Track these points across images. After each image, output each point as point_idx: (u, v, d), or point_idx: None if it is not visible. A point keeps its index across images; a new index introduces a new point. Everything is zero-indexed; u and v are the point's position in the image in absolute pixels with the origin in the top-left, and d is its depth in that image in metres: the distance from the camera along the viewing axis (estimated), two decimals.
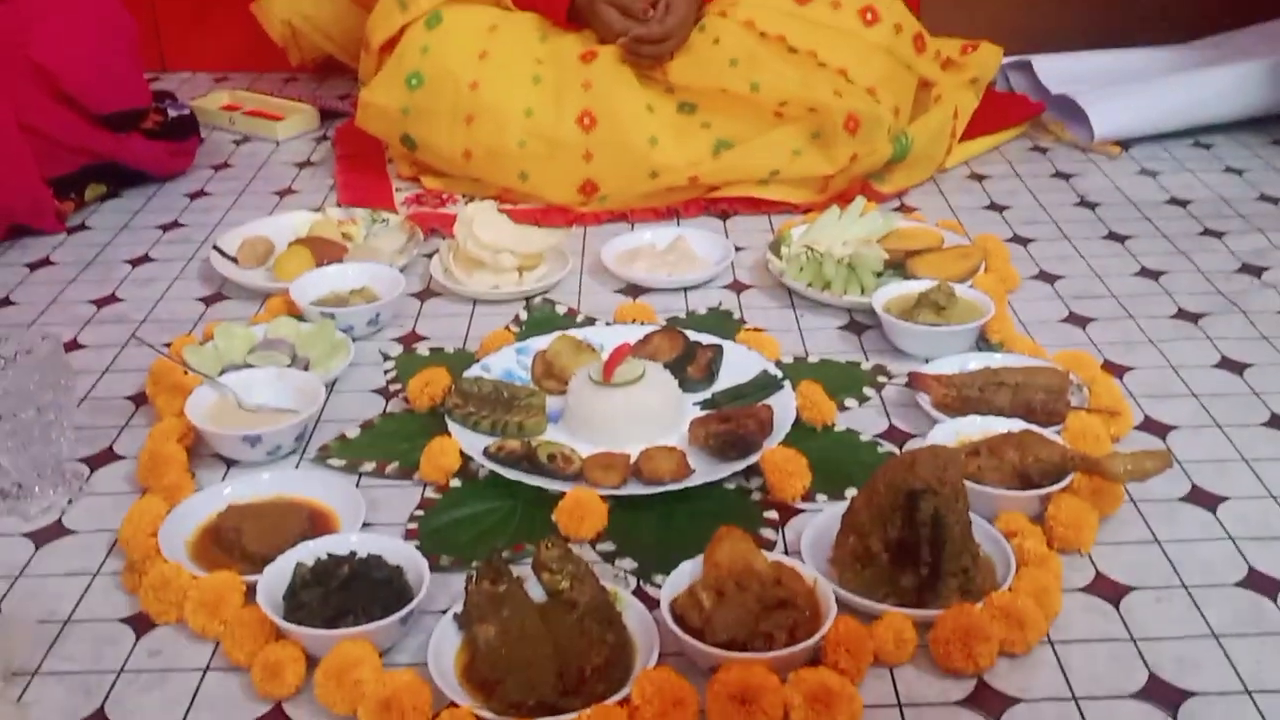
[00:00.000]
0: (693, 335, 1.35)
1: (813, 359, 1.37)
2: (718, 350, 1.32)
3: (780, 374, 1.29)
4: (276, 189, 1.89)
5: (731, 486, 1.14)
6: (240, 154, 2.04)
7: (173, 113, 1.91)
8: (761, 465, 1.14)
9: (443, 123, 1.75)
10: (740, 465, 1.14)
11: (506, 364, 1.33)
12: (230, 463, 1.19)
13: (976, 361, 1.28)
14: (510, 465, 1.14)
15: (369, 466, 1.19)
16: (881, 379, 1.32)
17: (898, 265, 1.51)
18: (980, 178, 1.90)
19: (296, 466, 1.20)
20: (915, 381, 1.25)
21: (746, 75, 1.71)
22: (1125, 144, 1.98)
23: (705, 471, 1.14)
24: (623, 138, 1.70)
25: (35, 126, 1.68)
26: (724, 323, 1.45)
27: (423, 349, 1.41)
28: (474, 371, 1.30)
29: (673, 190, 1.75)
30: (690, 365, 1.30)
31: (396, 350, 1.41)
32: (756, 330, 1.41)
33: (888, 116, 1.74)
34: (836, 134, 1.70)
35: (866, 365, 1.35)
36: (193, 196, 1.86)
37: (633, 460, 1.14)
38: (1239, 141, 1.99)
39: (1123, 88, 2.03)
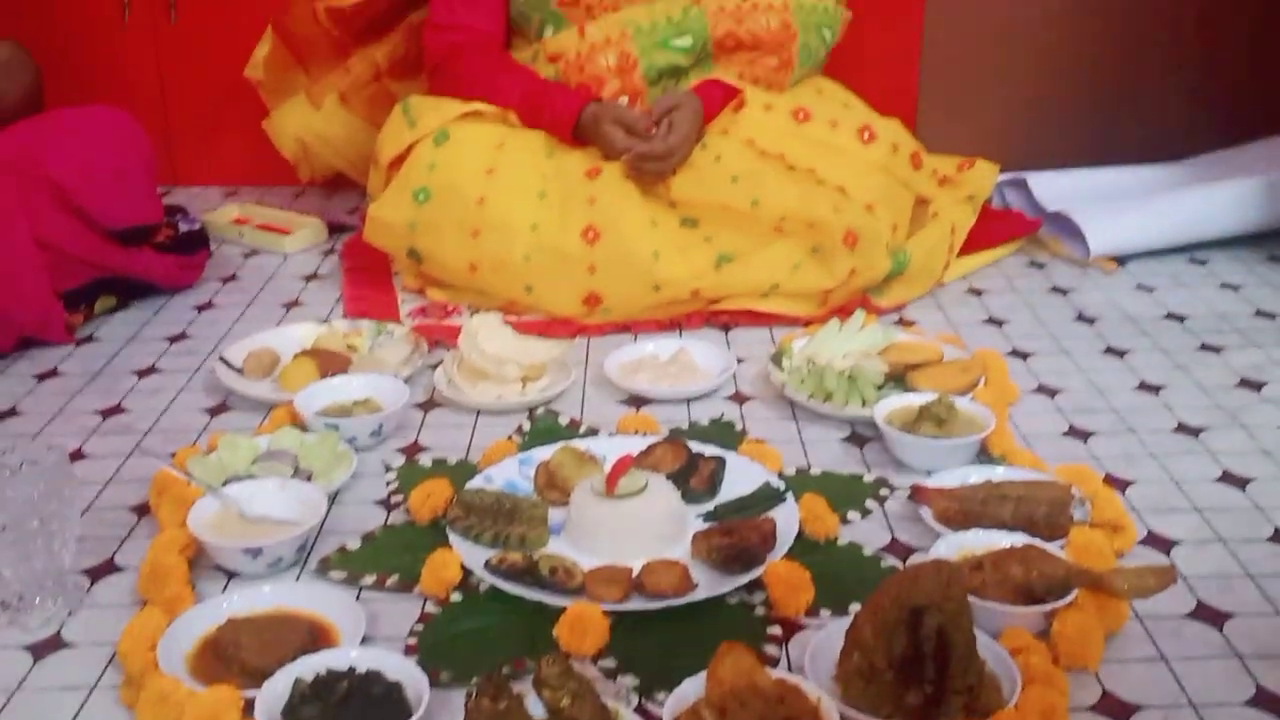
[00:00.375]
0: (695, 447, 1.35)
1: (815, 471, 1.37)
2: (720, 462, 1.33)
3: (783, 486, 1.29)
4: (283, 301, 1.91)
5: (734, 601, 1.14)
6: (249, 267, 2.07)
7: (184, 227, 1.94)
8: (765, 579, 1.13)
9: (449, 236, 1.78)
10: (743, 579, 1.13)
11: (509, 475, 1.33)
12: (231, 574, 1.19)
13: (978, 475, 1.28)
14: (512, 579, 1.13)
15: (369, 579, 1.18)
16: (884, 492, 1.32)
17: (898, 378, 1.52)
18: (979, 292, 1.92)
19: (297, 579, 1.19)
20: (918, 495, 1.25)
21: (747, 191, 1.75)
22: (1121, 260, 2.01)
23: (708, 586, 1.13)
24: (626, 251, 1.73)
25: (49, 241, 1.71)
26: (726, 434, 1.46)
27: (425, 460, 1.42)
28: (476, 483, 1.30)
29: (675, 303, 1.78)
30: (693, 477, 1.30)
31: (399, 461, 1.42)
32: (758, 442, 1.41)
33: (885, 232, 1.77)
34: (835, 249, 1.72)
35: (869, 478, 1.35)
36: (200, 308, 1.89)
37: (635, 574, 1.14)
38: (1234, 258, 2.02)
39: (1118, 204, 2.06)
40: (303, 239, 2.15)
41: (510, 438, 1.45)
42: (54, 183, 1.71)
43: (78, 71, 2.33)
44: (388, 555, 1.22)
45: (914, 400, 1.42)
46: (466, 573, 1.16)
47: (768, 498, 1.27)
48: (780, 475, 1.33)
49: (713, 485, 1.30)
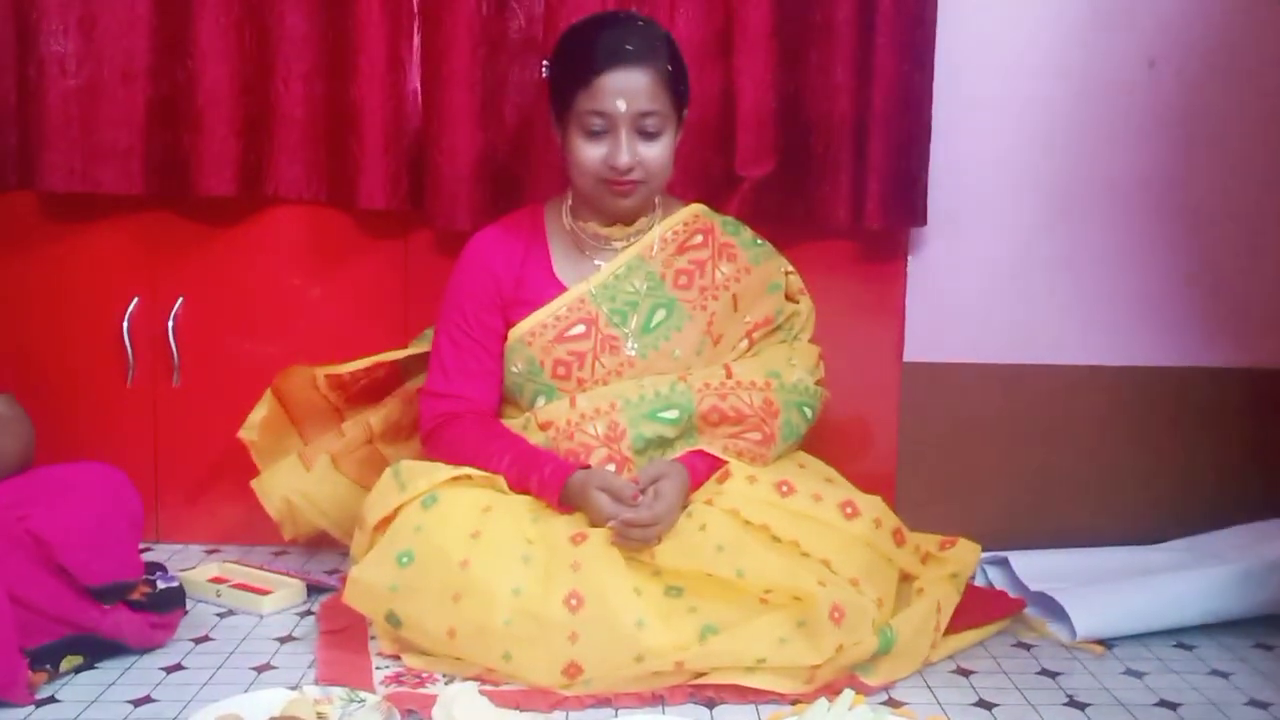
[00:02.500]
0: None
1: None
2: None
3: None
4: (255, 664, 1.86)
5: None
6: (223, 627, 2.02)
7: (161, 584, 1.92)
8: None
9: (430, 600, 1.76)
10: None
11: None
12: None
13: None
14: None
15: None
16: None
17: None
18: (967, 673, 1.88)
19: None
20: None
21: (732, 561, 1.75)
22: (1108, 643, 1.99)
23: None
24: (609, 619, 1.71)
25: (22, 597, 1.68)
26: None
27: None
28: None
29: (658, 675, 1.73)
30: None
31: None
32: None
33: (872, 608, 1.76)
34: (822, 623, 1.71)
35: None
36: (169, 670, 1.83)
37: None
38: (1221, 644, 2.01)
39: (1102, 587, 2.07)
40: (280, 600, 2.12)
41: None
42: (37, 538, 1.71)
43: (75, 428, 2.38)
44: None
45: None
46: None
47: None
48: None
49: None
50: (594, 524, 1.82)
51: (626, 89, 1.88)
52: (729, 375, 1.98)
